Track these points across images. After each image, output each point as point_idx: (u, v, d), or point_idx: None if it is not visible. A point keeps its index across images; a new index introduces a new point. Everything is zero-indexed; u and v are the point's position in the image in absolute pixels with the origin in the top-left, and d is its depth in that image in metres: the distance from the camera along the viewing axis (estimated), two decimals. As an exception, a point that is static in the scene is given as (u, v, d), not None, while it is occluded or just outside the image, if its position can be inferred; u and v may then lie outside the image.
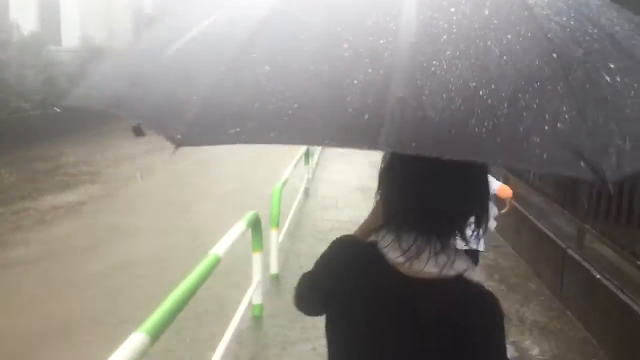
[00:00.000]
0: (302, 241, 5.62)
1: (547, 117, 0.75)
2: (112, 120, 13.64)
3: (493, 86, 0.76)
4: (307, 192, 7.62)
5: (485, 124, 0.72)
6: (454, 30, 0.81)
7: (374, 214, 1.26)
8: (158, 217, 6.54)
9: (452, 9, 0.84)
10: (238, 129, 0.76)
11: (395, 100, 0.73)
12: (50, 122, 11.13)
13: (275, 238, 4.58)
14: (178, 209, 6.86)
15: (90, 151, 10.51)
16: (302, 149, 7.30)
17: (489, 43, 0.81)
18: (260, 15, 0.89)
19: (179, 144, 0.76)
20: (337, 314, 1.21)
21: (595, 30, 0.91)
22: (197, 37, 0.95)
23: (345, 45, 0.80)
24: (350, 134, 0.73)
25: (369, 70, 0.77)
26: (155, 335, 1.83)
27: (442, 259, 1.07)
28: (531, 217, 5.13)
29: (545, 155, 0.72)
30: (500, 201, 3.41)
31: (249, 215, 3.66)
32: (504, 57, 0.79)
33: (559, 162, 0.74)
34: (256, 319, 3.85)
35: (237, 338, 3.24)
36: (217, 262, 2.68)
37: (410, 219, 1.08)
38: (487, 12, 0.86)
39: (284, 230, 5.34)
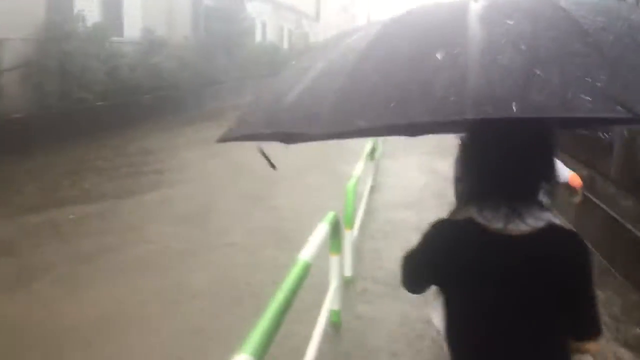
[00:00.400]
0: (373, 242, 5.37)
1: (589, 80, 1.01)
2: (175, 112, 13.79)
3: (545, 67, 1.04)
4: (372, 190, 7.35)
5: (544, 92, 1.00)
6: (511, 34, 1.12)
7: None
8: (244, 213, 6.43)
9: (507, 21, 1.16)
10: (362, 120, 1.10)
11: (473, 86, 1.02)
12: (113, 113, 11.23)
13: (349, 239, 4.34)
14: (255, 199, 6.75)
15: (164, 145, 10.55)
16: (368, 146, 7.03)
17: (538, 38, 1.11)
18: (365, 43, 1.28)
19: (319, 136, 1.23)
20: (450, 283, 1.49)
21: (626, 23, 1.20)
22: (323, 67, 1.34)
23: (430, 56, 1.12)
24: (441, 111, 1.03)
25: (450, 71, 1.06)
26: (260, 356, 1.63)
27: (530, 216, 1.37)
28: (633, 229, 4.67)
29: (590, 106, 0.98)
30: (572, 190, 3.42)
31: (329, 216, 3.44)
32: (551, 45, 1.09)
33: (601, 109, 1.01)
34: (334, 325, 3.62)
35: (319, 348, 3.01)
36: (307, 268, 2.47)
37: (497, 191, 1.38)
38: (533, 18, 1.17)
39: (355, 230, 5.09)
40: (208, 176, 8.24)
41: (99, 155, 9.10)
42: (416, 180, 8.31)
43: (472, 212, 1.41)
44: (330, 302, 3.50)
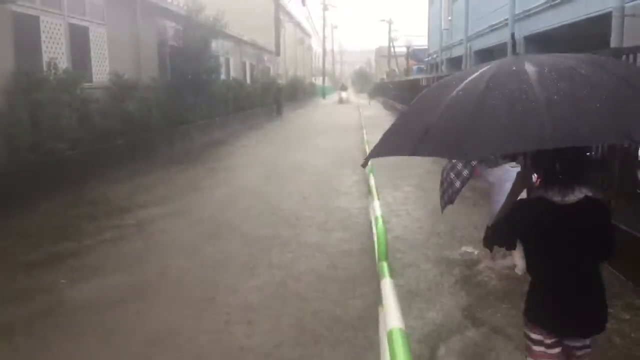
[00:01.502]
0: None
1: (598, 122, 1.92)
2: (146, 155, 13.33)
3: (580, 105, 1.92)
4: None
5: (589, 123, 1.89)
6: (559, 94, 1.94)
7: (514, 192, 2.66)
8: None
9: (556, 84, 2.00)
10: (484, 151, 2.54)
11: (548, 128, 1.83)
12: (86, 162, 10.69)
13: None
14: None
15: (131, 196, 10.10)
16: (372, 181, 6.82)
17: (574, 97, 1.95)
18: (474, 100, 2.08)
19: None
20: (531, 236, 2.51)
21: (620, 81, 2.13)
22: (443, 114, 2.15)
23: (510, 105, 1.97)
24: (527, 142, 1.96)
25: (533, 118, 1.89)
26: None
27: (577, 192, 2.41)
28: None
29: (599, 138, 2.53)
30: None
31: (384, 267, 3.19)
32: (579, 104, 1.93)
33: (604, 139, 2.89)
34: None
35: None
36: (406, 337, 2.19)
37: (559, 177, 2.40)
38: (569, 83, 2.00)
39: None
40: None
41: (71, 213, 8.61)
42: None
43: (542, 193, 2.47)
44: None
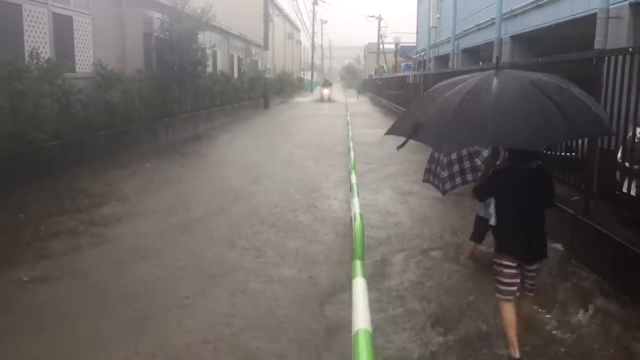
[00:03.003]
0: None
1: (552, 122, 3.32)
2: (129, 148, 13.23)
3: (528, 122, 3.35)
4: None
5: (524, 135, 3.34)
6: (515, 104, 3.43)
7: (487, 167, 4.26)
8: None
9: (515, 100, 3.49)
10: (457, 137, 3.67)
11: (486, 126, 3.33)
12: (67, 153, 10.60)
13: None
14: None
15: (110, 187, 10.00)
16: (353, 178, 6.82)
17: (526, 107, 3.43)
18: (457, 101, 3.48)
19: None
20: (504, 191, 3.90)
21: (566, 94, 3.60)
22: (435, 111, 3.65)
23: (488, 111, 3.41)
24: (473, 141, 4.22)
25: (476, 121, 3.39)
26: None
27: (535, 162, 3.85)
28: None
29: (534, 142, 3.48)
30: None
31: (357, 266, 3.20)
32: (529, 113, 3.40)
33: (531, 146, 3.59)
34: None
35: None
36: (369, 337, 2.19)
37: (524, 155, 3.79)
38: (522, 93, 3.50)
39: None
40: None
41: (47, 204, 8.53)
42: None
43: (511, 164, 3.85)
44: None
